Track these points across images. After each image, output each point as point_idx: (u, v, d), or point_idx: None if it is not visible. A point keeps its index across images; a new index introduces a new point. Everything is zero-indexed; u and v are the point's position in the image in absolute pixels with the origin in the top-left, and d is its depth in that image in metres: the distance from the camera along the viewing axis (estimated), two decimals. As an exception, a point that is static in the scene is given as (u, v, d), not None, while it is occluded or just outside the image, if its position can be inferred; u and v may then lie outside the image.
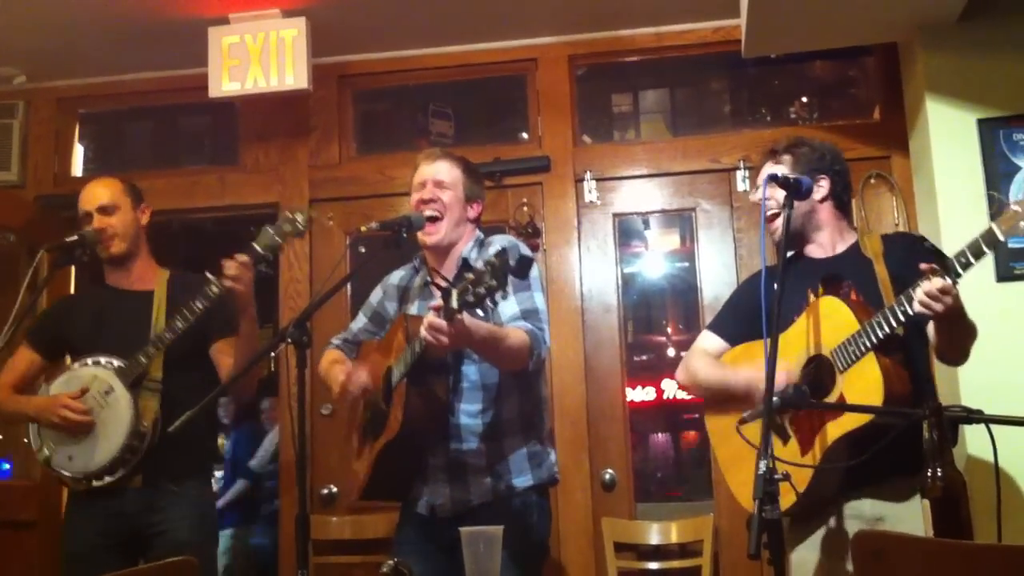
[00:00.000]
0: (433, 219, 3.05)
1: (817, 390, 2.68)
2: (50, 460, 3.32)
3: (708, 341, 3.13)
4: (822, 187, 2.96)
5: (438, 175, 3.11)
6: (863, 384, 2.60)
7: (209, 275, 3.26)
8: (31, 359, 3.52)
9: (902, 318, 2.53)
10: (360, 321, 3.32)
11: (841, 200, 3.00)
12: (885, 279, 2.76)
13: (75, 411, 3.24)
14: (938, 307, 2.45)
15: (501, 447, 2.93)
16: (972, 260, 2.43)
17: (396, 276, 3.29)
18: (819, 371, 2.73)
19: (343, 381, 3.06)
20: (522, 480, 2.94)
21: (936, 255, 2.60)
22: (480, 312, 2.44)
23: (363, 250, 4.80)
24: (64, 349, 3.54)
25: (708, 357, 3.08)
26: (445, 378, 2.91)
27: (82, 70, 4.96)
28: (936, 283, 2.44)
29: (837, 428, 2.62)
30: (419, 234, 3.05)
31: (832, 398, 2.67)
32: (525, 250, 3.01)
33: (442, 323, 2.51)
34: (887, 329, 2.56)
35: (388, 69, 4.92)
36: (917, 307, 2.48)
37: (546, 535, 3.06)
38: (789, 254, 2.94)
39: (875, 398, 2.56)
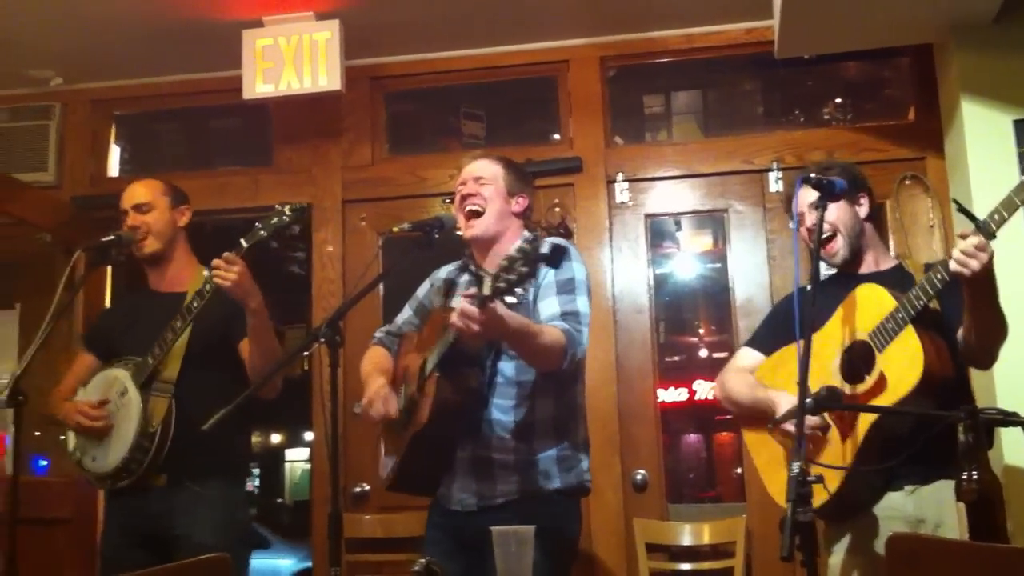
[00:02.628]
0: (475, 213, 3.05)
1: (855, 377, 2.67)
2: (80, 461, 3.37)
3: (744, 357, 3.14)
4: (863, 205, 2.96)
5: (477, 171, 3.10)
6: (903, 356, 2.59)
7: (205, 273, 3.26)
8: (88, 362, 3.56)
9: (939, 285, 2.52)
10: (405, 314, 3.32)
11: (877, 221, 3.01)
12: (923, 289, 2.70)
13: (87, 416, 3.28)
14: (974, 264, 2.44)
15: (531, 447, 2.92)
16: (1005, 215, 2.43)
17: (444, 270, 3.27)
18: (856, 358, 2.72)
19: (371, 399, 3.04)
20: (549, 482, 2.92)
21: (968, 216, 2.58)
22: (512, 299, 2.43)
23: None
24: (111, 350, 3.55)
25: (742, 375, 3.07)
26: (478, 371, 2.90)
27: (117, 72, 5.02)
28: (971, 240, 2.43)
29: (868, 417, 2.62)
30: (461, 228, 3.05)
31: (871, 380, 2.66)
32: (575, 252, 2.99)
33: (473, 310, 2.49)
34: (924, 299, 2.55)
35: (420, 71, 4.95)
36: (953, 266, 2.46)
37: (573, 537, 3.02)
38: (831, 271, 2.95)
39: (915, 369, 2.55)
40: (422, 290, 3.32)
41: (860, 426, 2.64)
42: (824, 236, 2.91)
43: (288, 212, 3.17)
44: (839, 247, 2.93)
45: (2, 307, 4.83)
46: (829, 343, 2.77)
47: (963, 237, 2.45)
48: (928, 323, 2.61)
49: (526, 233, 3.10)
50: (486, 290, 2.43)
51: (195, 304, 3.27)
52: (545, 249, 2.37)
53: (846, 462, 2.65)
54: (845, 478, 2.65)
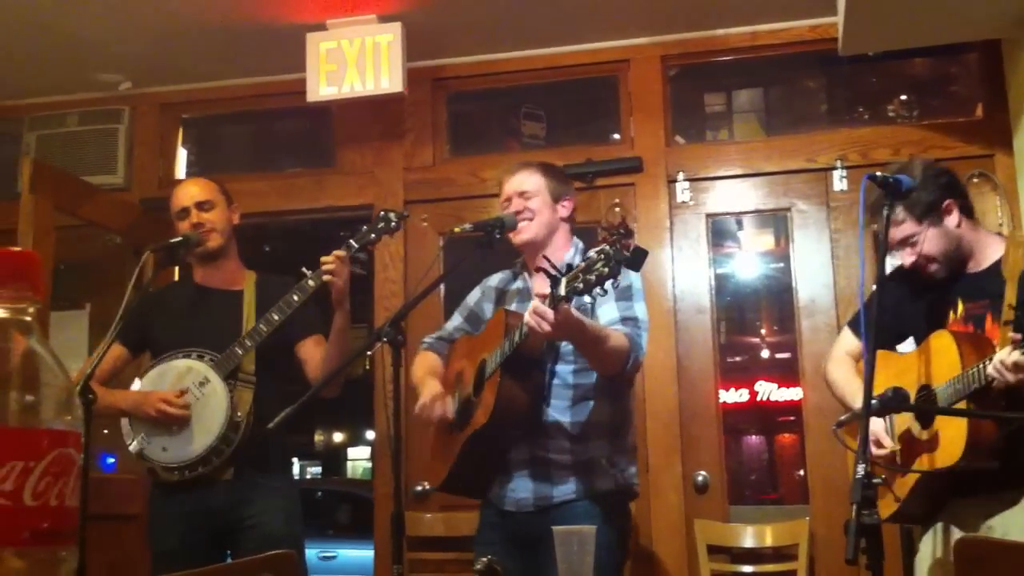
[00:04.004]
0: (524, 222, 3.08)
1: (923, 420, 2.67)
2: (143, 451, 3.38)
3: (846, 341, 3.12)
4: (953, 214, 2.84)
5: (521, 186, 3.13)
6: (951, 431, 2.58)
7: (305, 270, 3.32)
8: (118, 353, 3.55)
9: (984, 380, 2.47)
10: (456, 320, 3.35)
11: (971, 212, 2.92)
12: (1010, 302, 2.58)
13: (173, 405, 3.30)
14: (1009, 378, 2.40)
15: (587, 448, 2.94)
16: None
17: (495, 278, 3.31)
18: (924, 403, 2.70)
19: (426, 403, 3.07)
20: (604, 482, 2.95)
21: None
22: (591, 297, 2.45)
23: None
24: (147, 342, 3.60)
25: (845, 365, 3.05)
26: (540, 374, 2.93)
27: (185, 76, 5.10)
28: (1012, 356, 2.38)
29: (928, 462, 2.60)
30: (510, 234, 3.07)
31: (927, 434, 2.65)
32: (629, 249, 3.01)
33: (547, 309, 2.52)
34: (976, 385, 2.50)
35: (481, 72, 4.97)
36: (990, 371, 2.43)
37: (629, 536, 3.07)
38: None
39: (956, 448, 2.53)
40: (472, 297, 3.34)
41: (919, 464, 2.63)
42: (921, 262, 2.85)
43: (394, 218, 3.25)
44: (936, 271, 2.87)
45: (73, 307, 4.91)
46: (905, 375, 2.75)
47: (1013, 344, 2.39)
48: (984, 398, 2.55)
49: (579, 242, 3.15)
50: (562, 290, 2.45)
51: (296, 298, 3.32)
52: (628, 252, 2.37)
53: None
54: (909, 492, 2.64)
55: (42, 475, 0.78)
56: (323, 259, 3.23)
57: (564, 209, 3.15)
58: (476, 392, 2.97)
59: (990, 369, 2.43)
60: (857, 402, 2.86)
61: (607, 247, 2.37)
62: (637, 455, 3.11)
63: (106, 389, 3.49)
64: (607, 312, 2.90)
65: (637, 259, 2.43)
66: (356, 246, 3.26)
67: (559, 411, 2.94)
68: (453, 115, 5.11)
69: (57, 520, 0.79)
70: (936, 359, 2.69)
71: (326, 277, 3.21)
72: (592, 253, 2.41)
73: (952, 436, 2.55)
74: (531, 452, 2.95)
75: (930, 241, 2.82)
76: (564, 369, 2.96)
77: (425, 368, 3.25)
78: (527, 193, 3.11)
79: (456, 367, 3.18)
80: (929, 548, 2.78)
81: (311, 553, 10.01)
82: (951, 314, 2.80)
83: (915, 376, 2.74)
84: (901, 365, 2.67)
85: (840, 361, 3.07)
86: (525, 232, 3.08)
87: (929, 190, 2.81)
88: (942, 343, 2.68)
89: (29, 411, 0.80)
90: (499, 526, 3.02)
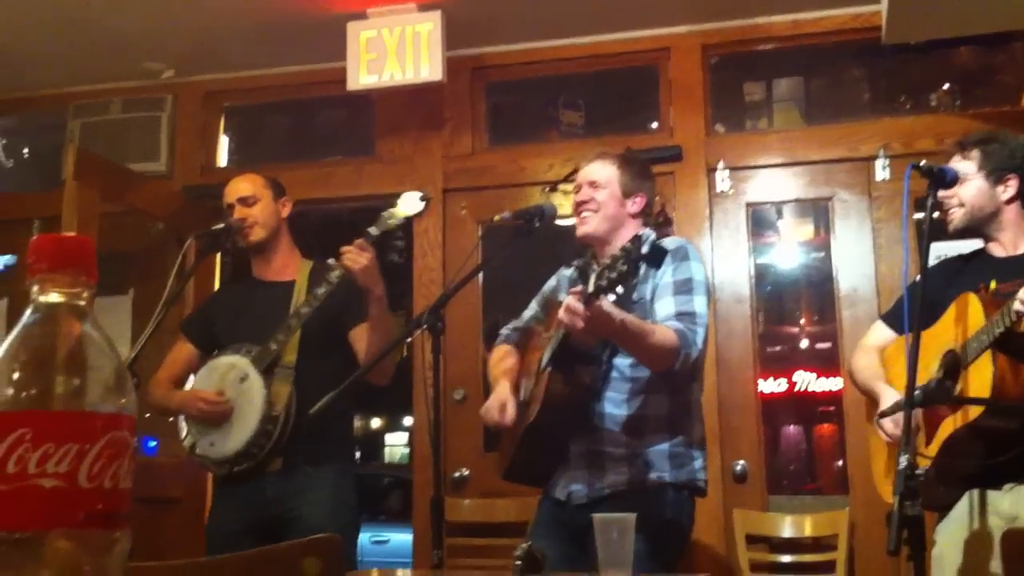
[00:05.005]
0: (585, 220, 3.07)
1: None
2: (195, 447, 3.43)
3: (876, 334, 3.09)
4: (1010, 187, 2.83)
5: (591, 175, 3.09)
6: (977, 381, 2.54)
7: (331, 261, 3.35)
8: (188, 351, 3.64)
9: (1014, 316, 2.45)
10: (532, 309, 3.31)
11: None
12: None
13: (209, 403, 3.34)
14: None
15: (642, 441, 2.91)
16: None
17: (569, 268, 3.27)
18: (949, 367, 2.67)
19: (489, 406, 3.06)
20: (659, 475, 2.90)
21: None
22: (612, 297, 2.44)
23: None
24: (213, 339, 3.63)
25: (869, 356, 3.02)
26: (592, 367, 2.91)
27: (227, 65, 5.14)
28: None
29: (948, 426, 2.57)
30: (576, 227, 3.08)
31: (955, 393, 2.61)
32: (693, 251, 2.98)
33: (578, 305, 2.52)
34: (1001, 328, 2.48)
35: (521, 60, 4.96)
36: (1017, 305, 2.40)
37: (680, 532, 2.99)
38: (967, 244, 2.88)
39: (983, 395, 2.50)
40: (548, 286, 3.32)
41: (941, 433, 2.60)
42: (954, 201, 2.85)
43: (410, 201, 3.34)
44: (955, 218, 2.86)
45: (116, 293, 4.97)
46: (937, 342, 2.72)
47: None
48: (1010, 344, 2.53)
49: (648, 232, 3.03)
50: (590, 287, 2.45)
51: (322, 290, 3.35)
52: (645, 249, 2.37)
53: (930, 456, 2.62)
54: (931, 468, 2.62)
55: (96, 458, 0.80)
56: (342, 249, 3.26)
57: (635, 205, 3.08)
58: (536, 386, 2.99)
59: (1016, 304, 2.40)
60: (880, 385, 2.85)
61: (628, 245, 2.37)
62: (706, 448, 3.06)
63: (165, 389, 3.56)
64: (664, 307, 2.86)
65: (656, 256, 2.43)
66: (375, 233, 3.29)
67: (615, 404, 2.92)
68: (492, 104, 5.11)
69: (111, 502, 0.81)
70: (961, 321, 2.67)
71: (345, 264, 3.24)
72: (616, 250, 2.41)
73: (977, 388, 2.53)
74: (588, 445, 2.94)
75: (974, 189, 2.82)
76: (622, 362, 2.93)
77: (502, 367, 3.21)
78: (596, 183, 3.07)
79: (531, 357, 3.18)
80: (948, 538, 2.74)
81: (363, 537, 10.22)
82: (982, 288, 2.78)
83: (941, 345, 2.72)
84: (926, 339, 2.64)
85: (866, 351, 3.05)
86: (586, 224, 3.05)
87: (1008, 155, 2.83)
88: (966, 303, 2.67)
89: (83, 395, 0.81)
90: (554, 514, 3.02)
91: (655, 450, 2.92)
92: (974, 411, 2.53)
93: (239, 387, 3.36)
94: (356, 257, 3.22)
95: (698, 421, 3.03)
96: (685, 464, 2.94)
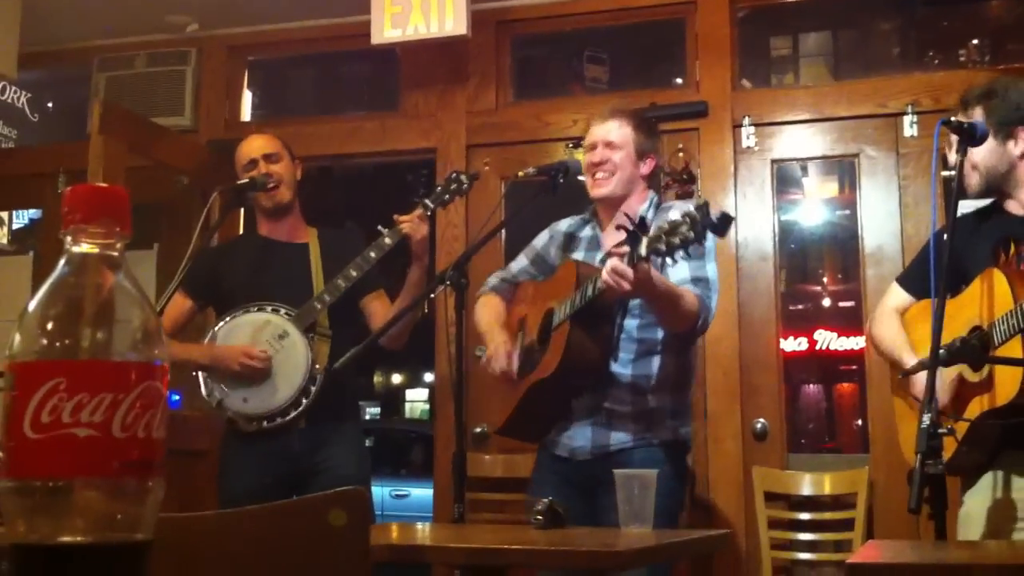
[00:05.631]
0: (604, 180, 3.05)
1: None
2: (223, 402, 3.44)
3: (893, 297, 3.04)
4: (1021, 140, 2.75)
5: (608, 135, 3.05)
6: (1007, 368, 2.51)
7: (381, 228, 3.38)
8: (185, 305, 3.58)
9: None
10: (521, 262, 3.30)
11: None
12: None
13: (256, 358, 3.36)
14: None
15: (647, 399, 2.95)
16: None
17: (565, 223, 3.26)
18: (982, 343, 2.65)
19: (493, 354, 3.07)
20: (662, 434, 2.96)
21: None
22: (672, 260, 2.45)
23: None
24: (215, 296, 3.62)
25: (891, 319, 2.98)
26: (609, 327, 2.93)
27: (251, 19, 5.12)
28: None
29: (981, 404, 2.56)
30: (588, 186, 3.06)
31: (984, 374, 2.59)
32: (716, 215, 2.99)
33: (627, 268, 2.50)
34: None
35: (546, 14, 4.92)
36: None
37: (684, 485, 3.08)
38: (986, 201, 2.85)
39: (1012, 385, 2.47)
40: (540, 240, 3.29)
41: (972, 409, 2.59)
42: (967, 167, 2.82)
43: (466, 180, 3.42)
44: (972, 183, 2.83)
45: (141, 247, 5.00)
46: (961, 316, 2.69)
47: None
48: None
49: (653, 195, 3.10)
50: (642, 250, 2.44)
51: (373, 255, 3.39)
52: (715, 217, 2.36)
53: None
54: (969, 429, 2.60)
55: (130, 407, 0.80)
56: (401, 218, 3.33)
57: (646, 167, 3.08)
58: (541, 341, 2.98)
59: None
60: (907, 355, 2.82)
61: (692, 210, 2.36)
62: (692, 412, 3.12)
63: (176, 342, 3.52)
64: (678, 271, 2.85)
65: (724, 225, 2.41)
66: (432, 206, 3.39)
67: (623, 364, 2.94)
68: (517, 59, 5.08)
69: (145, 451, 0.81)
70: (987, 298, 2.64)
71: (406, 231, 3.30)
72: (676, 215, 2.40)
73: (1008, 374, 2.51)
74: (594, 401, 2.95)
75: (984, 151, 2.75)
76: (631, 324, 2.95)
77: (492, 315, 3.23)
78: (613, 144, 3.04)
79: (519, 312, 3.18)
80: (979, 502, 2.73)
81: (384, 491, 10.41)
82: (1002, 255, 2.74)
83: (966, 318, 2.69)
84: (950, 310, 2.62)
85: (887, 316, 2.99)
86: (604, 186, 3.03)
87: (1013, 107, 2.75)
88: (993, 281, 2.64)
89: (116, 345, 0.82)
90: (555, 470, 3.04)
91: (658, 408, 2.96)
92: (1002, 394, 2.51)
93: (278, 344, 3.39)
94: (418, 226, 3.31)
95: (693, 384, 3.14)
96: (680, 425, 3.02)
